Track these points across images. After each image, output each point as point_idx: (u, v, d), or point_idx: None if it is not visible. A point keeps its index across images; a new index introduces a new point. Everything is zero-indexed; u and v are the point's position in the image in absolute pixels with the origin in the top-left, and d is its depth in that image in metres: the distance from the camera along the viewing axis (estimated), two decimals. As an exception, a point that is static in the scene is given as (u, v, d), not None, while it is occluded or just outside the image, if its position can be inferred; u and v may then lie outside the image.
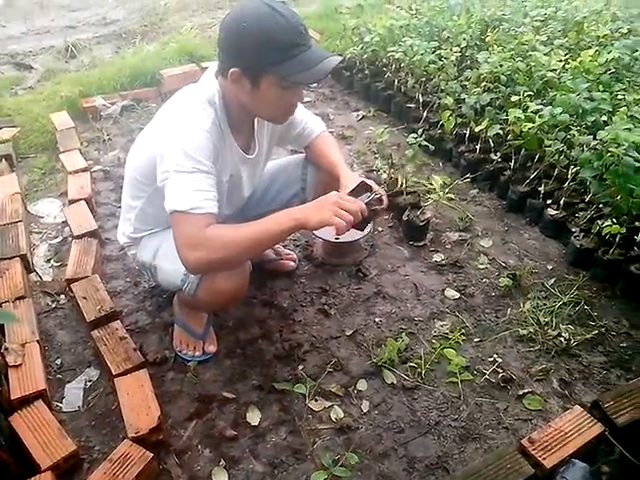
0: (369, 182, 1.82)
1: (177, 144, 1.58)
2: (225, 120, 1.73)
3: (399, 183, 2.74)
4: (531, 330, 2.13)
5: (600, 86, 2.83)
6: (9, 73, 4.46)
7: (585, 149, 2.39)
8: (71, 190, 2.78)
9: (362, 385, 1.94)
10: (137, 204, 1.90)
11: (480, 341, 2.12)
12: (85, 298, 2.12)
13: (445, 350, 2.01)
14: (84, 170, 2.96)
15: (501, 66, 3.00)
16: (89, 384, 1.93)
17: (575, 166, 2.52)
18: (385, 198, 1.81)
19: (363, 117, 3.80)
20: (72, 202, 2.69)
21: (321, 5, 5.54)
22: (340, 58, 1.67)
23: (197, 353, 2.01)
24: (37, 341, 1.94)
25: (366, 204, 1.68)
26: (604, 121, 2.50)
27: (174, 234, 1.59)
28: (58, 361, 2.01)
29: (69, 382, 1.94)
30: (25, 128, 3.42)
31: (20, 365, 1.83)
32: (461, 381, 1.93)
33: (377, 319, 2.20)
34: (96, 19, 5.64)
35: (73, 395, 1.89)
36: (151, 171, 1.68)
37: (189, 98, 1.71)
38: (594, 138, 2.36)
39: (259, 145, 1.92)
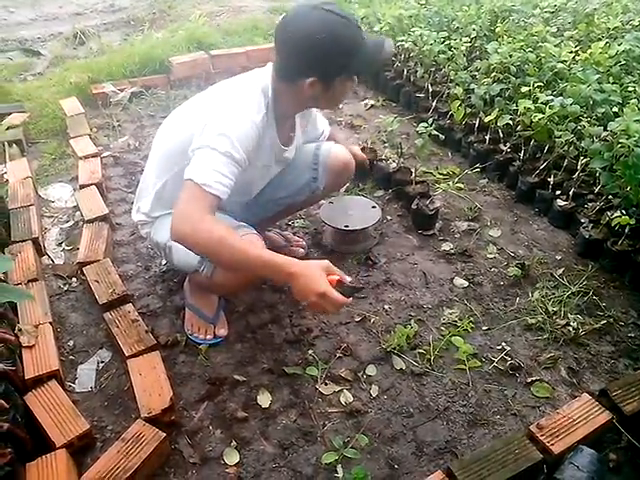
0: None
1: (223, 124, 1.62)
2: (273, 112, 1.78)
3: (408, 172, 2.75)
4: (539, 319, 2.14)
5: (610, 78, 2.82)
6: (18, 59, 4.47)
7: (595, 140, 2.39)
8: (82, 175, 2.79)
9: (371, 370, 1.95)
10: (160, 182, 1.89)
11: (488, 329, 2.13)
12: (97, 281, 2.14)
13: (453, 337, 2.03)
14: (94, 156, 2.97)
15: (511, 57, 2.98)
16: (101, 365, 1.95)
17: (585, 157, 2.52)
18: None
19: (372, 106, 3.80)
20: (83, 187, 2.71)
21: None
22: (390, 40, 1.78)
23: (208, 336, 2.02)
24: (50, 323, 1.96)
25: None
26: (614, 112, 2.49)
27: (178, 198, 1.58)
28: (70, 343, 2.03)
29: (82, 363, 1.96)
30: (35, 114, 3.43)
31: (33, 346, 1.84)
32: (469, 368, 1.95)
33: (386, 306, 2.21)
34: (103, 6, 5.65)
35: (85, 376, 1.91)
36: (188, 143, 1.68)
37: (249, 83, 1.76)
38: (604, 129, 2.36)
39: (296, 140, 2.00)
